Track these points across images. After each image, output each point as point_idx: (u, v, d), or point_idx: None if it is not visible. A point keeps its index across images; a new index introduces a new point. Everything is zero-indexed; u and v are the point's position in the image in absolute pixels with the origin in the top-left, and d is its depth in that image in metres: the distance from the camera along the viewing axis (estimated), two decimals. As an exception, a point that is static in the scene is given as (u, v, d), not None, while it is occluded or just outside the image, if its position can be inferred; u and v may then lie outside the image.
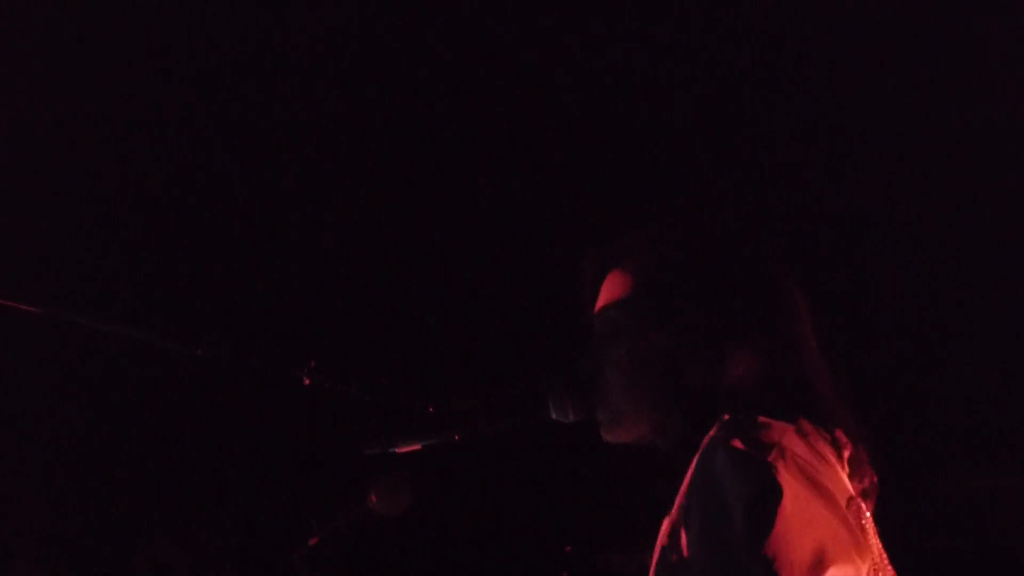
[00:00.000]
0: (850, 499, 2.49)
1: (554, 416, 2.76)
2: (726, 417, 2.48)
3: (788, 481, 2.38)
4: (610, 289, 2.73)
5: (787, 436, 2.45)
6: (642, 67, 5.08)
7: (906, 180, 4.85)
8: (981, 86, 4.77)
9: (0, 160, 4.98)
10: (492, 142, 5.27)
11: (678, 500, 2.47)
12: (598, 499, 4.99)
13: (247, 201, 5.27)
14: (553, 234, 5.20)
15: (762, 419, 2.47)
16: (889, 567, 2.53)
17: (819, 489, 2.41)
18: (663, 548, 2.47)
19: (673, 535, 2.45)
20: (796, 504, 2.36)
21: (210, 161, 5.23)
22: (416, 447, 2.80)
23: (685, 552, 2.41)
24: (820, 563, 2.33)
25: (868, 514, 2.52)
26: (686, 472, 2.48)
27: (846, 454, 2.57)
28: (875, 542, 2.50)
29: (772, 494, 2.35)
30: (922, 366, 4.81)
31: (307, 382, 2.94)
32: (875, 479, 2.61)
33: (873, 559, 2.47)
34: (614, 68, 5.14)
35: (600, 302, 2.73)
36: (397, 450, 2.81)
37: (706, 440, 2.46)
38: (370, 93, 5.24)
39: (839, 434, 2.56)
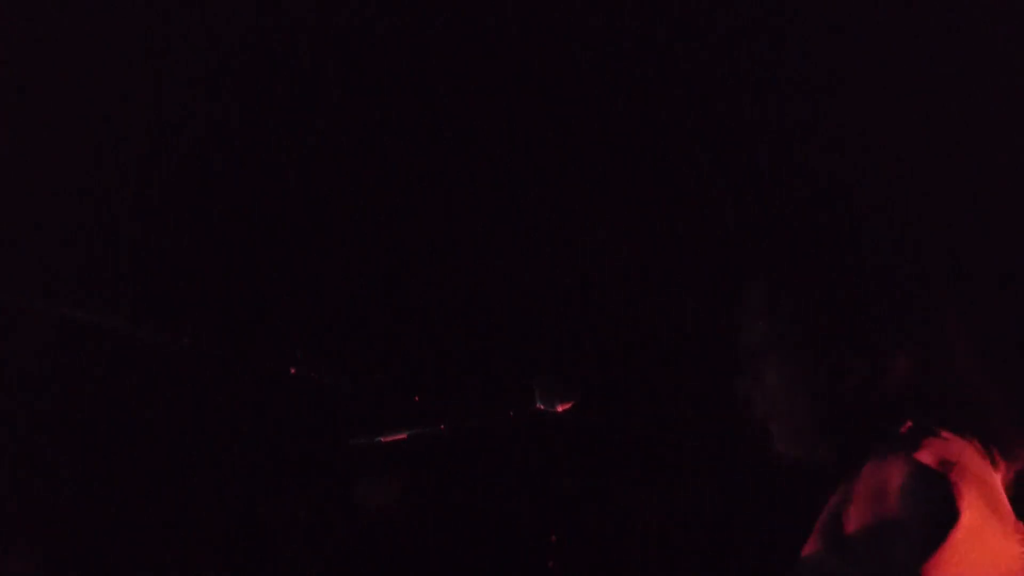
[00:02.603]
0: (1017, 524, 2.40)
1: (541, 406, 2.75)
2: (908, 425, 2.40)
3: (967, 504, 2.28)
4: (754, 301, 2.61)
5: (967, 453, 2.36)
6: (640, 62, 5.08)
7: None
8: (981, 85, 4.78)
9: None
10: (487, 134, 5.28)
11: (833, 504, 2.40)
12: (585, 490, 4.99)
13: (234, 192, 5.27)
14: (544, 223, 5.20)
15: (944, 433, 2.38)
16: None
17: (997, 515, 2.32)
18: (817, 553, 2.39)
19: (828, 539, 2.38)
20: (971, 530, 2.27)
21: (201, 154, 5.23)
22: (402, 437, 2.80)
23: (843, 557, 2.34)
24: None
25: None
26: (839, 478, 2.41)
27: (1009, 477, 2.47)
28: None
29: (949, 515, 2.26)
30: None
31: (293, 372, 2.95)
32: None
33: None
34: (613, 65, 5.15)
35: (746, 315, 2.62)
36: (383, 440, 2.81)
37: (884, 452, 2.36)
38: (354, 79, 5.24)
39: (997, 456, 2.45)
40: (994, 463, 2.42)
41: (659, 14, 5.00)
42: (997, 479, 2.40)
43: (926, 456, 2.31)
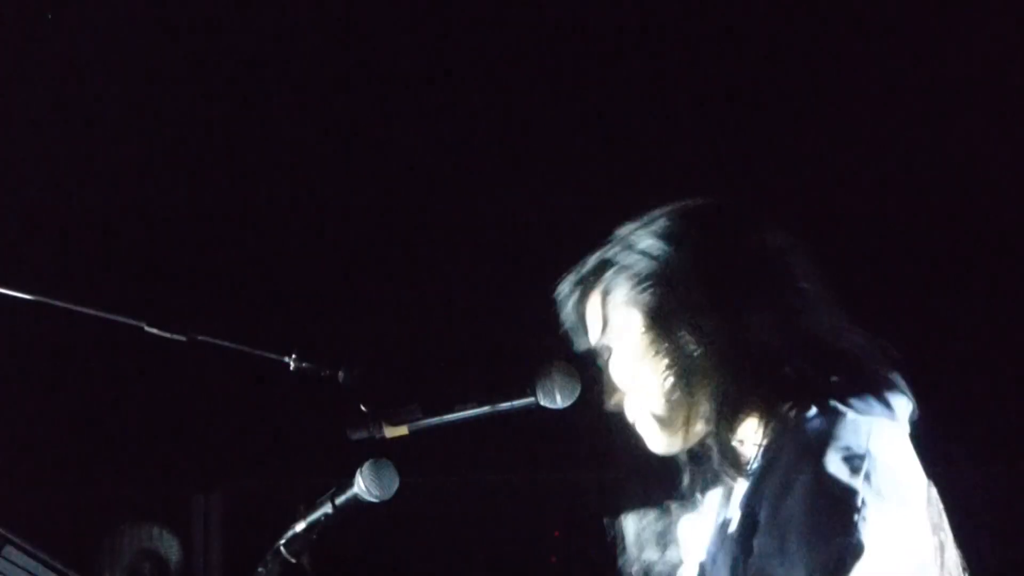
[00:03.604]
0: (928, 487, 2.40)
1: (542, 401, 2.74)
2: (810, 410, 2.36)
3: (873, 523, 2.25)
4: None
5: (875, 435, 2.33)
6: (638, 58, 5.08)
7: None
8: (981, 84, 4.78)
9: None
10: (486, 134, 5.27)
11: (748, 500, 2.39)
12: (587, 484, 4.98)
13: (234, 186, 5.26)
14: (543, 220, 5.19)
15: (848, 413, 2.35)
16: (955, 551, 2.44)
17: (907, 507, 2.30)
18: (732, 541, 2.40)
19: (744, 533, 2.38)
20: (880, 555, 2.24)
21: (199, 149, 5.22)
22: (403, 432, 2.79)
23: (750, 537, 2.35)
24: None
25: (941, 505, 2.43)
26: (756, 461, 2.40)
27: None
28: (946, 527, 2.43)
29: (853, 552, 2.23)
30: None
31: (292, 367, 2.93)
32: None
33: (947, 547, 2.40)
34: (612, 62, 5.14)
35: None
36: (384, 435, 2.80)
37: (791, 442, 2.35)
38: (346, 81, 5.24)
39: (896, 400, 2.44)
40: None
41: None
42: (906, 442, 2.39)
43: (831, 458, 2.28)
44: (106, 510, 5.13)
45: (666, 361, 2.51)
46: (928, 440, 2.49)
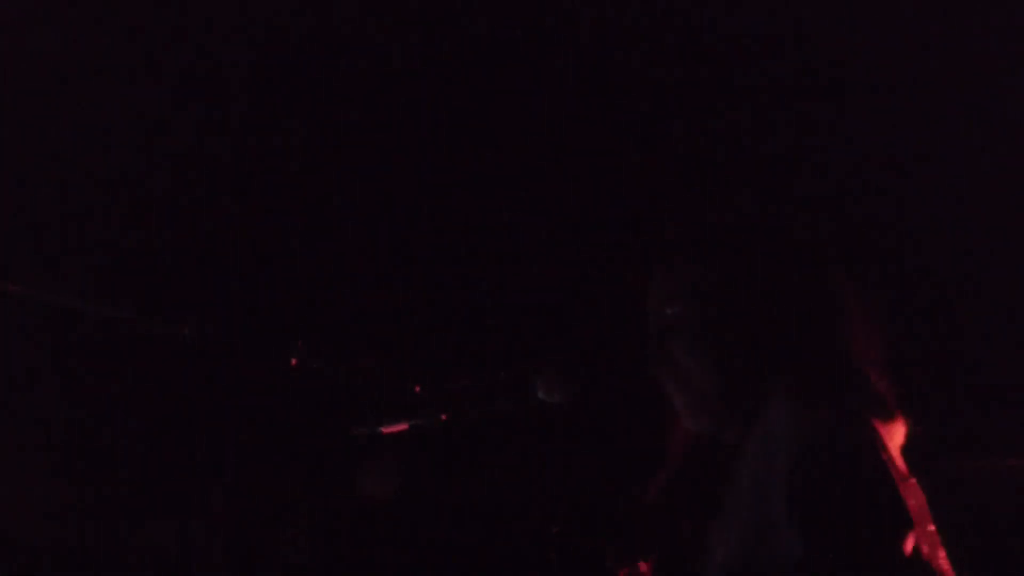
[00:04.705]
0: (904, 480, 2.45)
1: (541, 397, 2.75)
2: (797, 413, 2.44)
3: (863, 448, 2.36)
4: (665, 285, 2.69)
5: (854, 434, 2.41)
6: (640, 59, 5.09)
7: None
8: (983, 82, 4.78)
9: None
10: (484, 129, 5.27)
11: (731, 478, 2.46)
12: (586, 480, 4.99)
13: (234, 181, 5.26)
14: (543, 217, 5.19)
15: (829, 415, 2.43)
16: (938, 544, 2.47)
17: (880, 512, 2.36)
18: (719, 524, 2.47)
19: (726, 512, 2.46)
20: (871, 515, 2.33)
21: (198, 144, 5.22)
22: (403, 427, 2.80)
23: (733, 533, 2.41)
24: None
25: (919, 489, 2.47)
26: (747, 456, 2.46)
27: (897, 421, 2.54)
28: (927, 523, 2.45)
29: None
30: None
31: (295, 362, 2.94)
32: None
33: (925, 535, 2.43)
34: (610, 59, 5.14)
35: (656, 298, 2.70)
36: (384, 430, 2.81)
37: (780, 428, 2.43)
38: (345, 78, 5.24)
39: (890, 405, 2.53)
40: (890, 419, 2.50)
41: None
42: (888, 441, 2.46)
43: (814, 458, 2.36)
44: (105, 507, 5.14)
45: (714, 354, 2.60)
46: (919, 435, 2.53)
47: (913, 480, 2.47)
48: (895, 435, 2.53)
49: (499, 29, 5.18)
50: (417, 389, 2.86)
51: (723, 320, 2.59)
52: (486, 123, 5.24)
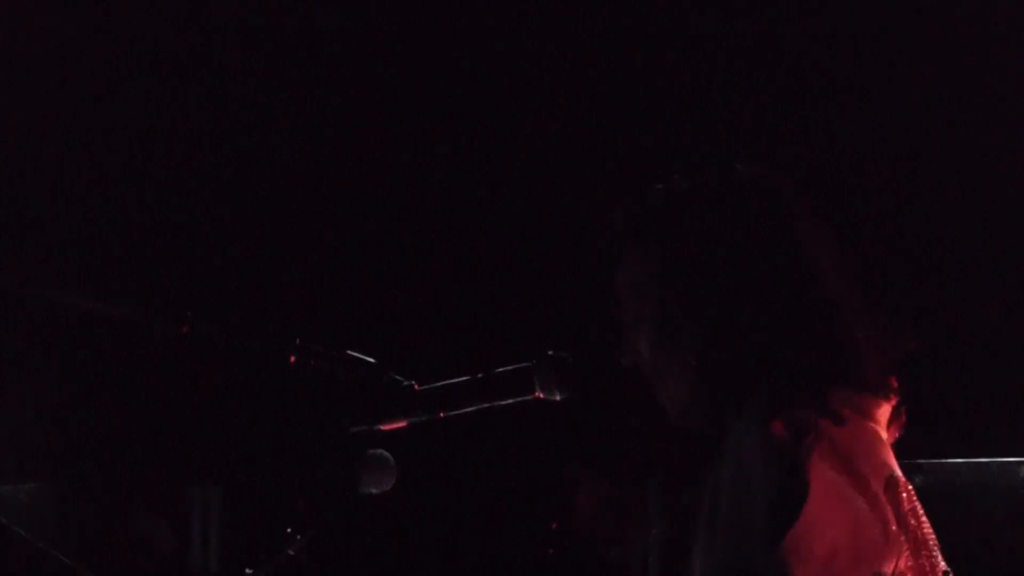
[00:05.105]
0: (890, 478, 2.36)
1: (540, 394, 2.75)
2: (762, 393, 2.36)
3: (818, 473, 2.25)
4: (626, 275, 2.57)
5: (823, 421, 2.32)
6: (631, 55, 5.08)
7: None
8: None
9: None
10: (480, 125, 5.27)
11: (711, 481, 2.38)
12: (584, 475, 4.99)
13: (232, 179, 5.26)
14: (541, 213, 5.19)
15: (800, 394, 2.34)
16: (932, 543, 2.39)
17: (854, 478, 2.29)
18: (700, 524, 2.39)
19: (707, 517, 2.37)
20: (824, 500, 2.25)
21: (197, 141, 5.22)
22: (402, 424, 2.80)
23: (713, 535, 2.34)
24: (838, 565, 2.24)
25: (910, 487, 2.38)
26: (720, 451, 2.39)
27: (887, 414, 2.44)
28: (915, 520, 2.36)
29: (798, 489, 2.24)
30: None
31: (292, 359, 2.94)
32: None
33: (915, 538, 2.35)
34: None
35: (622, 291, 2.59)
36: (382, 427, 2.80)
37: (740, 420, 2.35)
38: (344, 71, 5.24)
39: (880, 394, 2.43)
40: (875, 403, 2.40)
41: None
42: (863, 441, 2.37)
43: (777, 426, 2.29)
44: (104, 503, 5.13)
45: (675, 344, 2.48)
46: (913, 431, 2.49)
47: (903, 479, 2.39)
48: (885, 427, 2.45)
49: (504, 28, 5.19)
50: (416, 386, 2.85)
51: (686, 313, 2.44)
52: (485, 120, 5.24)
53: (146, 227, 5.18)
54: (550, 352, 2.78)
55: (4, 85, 5.01)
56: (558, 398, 2.76)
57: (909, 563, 2.34)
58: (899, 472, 2.40)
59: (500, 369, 2.80)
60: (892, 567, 2.31)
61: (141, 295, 4.98)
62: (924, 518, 2.39)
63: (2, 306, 4.81)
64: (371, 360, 2.93)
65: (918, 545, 2.36)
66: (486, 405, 2.78)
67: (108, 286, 4.95)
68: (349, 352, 2.94)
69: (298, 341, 2.94)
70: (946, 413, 4.63)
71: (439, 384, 2.84)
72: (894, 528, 2.33)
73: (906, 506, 2.36)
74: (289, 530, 2.82)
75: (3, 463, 5.04)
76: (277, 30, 5.23)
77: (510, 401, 2.77)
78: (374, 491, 2.80)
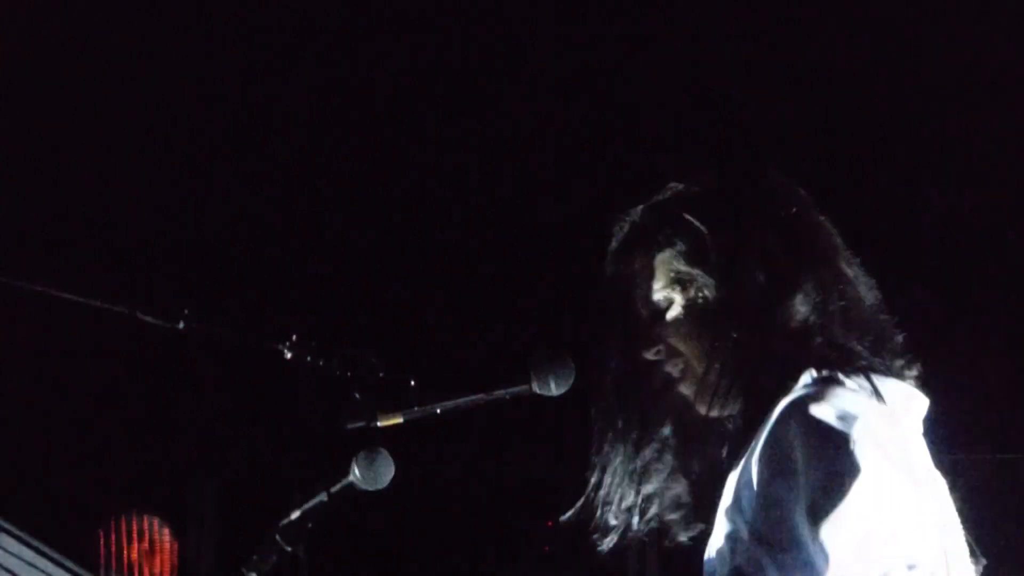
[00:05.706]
0: (929, 471, 2.36)
1: (537, 390, 2.74)
2: (806, 378, 2.36)
3: (868, 460, 2.23)
4: (645, 271, 2.55)
5: (870, 405, 2.31)
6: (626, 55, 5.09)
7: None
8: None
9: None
10: (483, 124, 5.28)
11: (740, 470, 2.36)
12: (581, 473, 4.99)
13: (230, 178, 5.27)
14: (541, 208, 5.20)
15: (845, 381, 2.34)
16: (962, 539, 2.39)
17: (901, 468, 2.27)
18: (727, 511, 2.37)
19: (737, 503, 2.35)
20: (874, 488, 2.23)
21: (196, 140, 5.24)
22: (398, 421, 2.80)
23: (748, 522, 2.31)
24: (874, 546, 2.22)
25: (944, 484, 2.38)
26: (750, 437, 2.36)
27: (923, 407, 2.43)
28: (951, 515, 2.37)
29: (848, 475, 2.22)
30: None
31: (288, 356, 2.93)
32: None
33: (951, 532, 2.35)
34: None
35: (642, 285, 2.57)
36: (379, 424, 2.80)
37: (782, 404, 2.32)
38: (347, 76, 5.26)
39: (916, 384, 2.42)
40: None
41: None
42: (905, 429, 2.36)
43: (823, 412, 2.28)
44: (102, 501, 5.14)
45: (703, 335, 2.48)
46: (943, 427, 2.48)
47: (936, 474, 2.39)
48: (920, 420, 2.44)
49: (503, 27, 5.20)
50: (412, 382, 2.85)
51: (712, 302, 2.45)
52: (485, 123, 5.26)
53: (143, 225, 5.19)
54: (546, 345, 2.78)
55: (4, 85, 5.03)
56: (554, 392, 2.75)
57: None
58: (934, 466, 2.41)
59: (496, 364, 2.80)
60: (926, 557, 2.29)
61: (136, 291, 4.99)
62: (955, 515, 2.40)
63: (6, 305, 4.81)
64: (368, 356, 2.93)
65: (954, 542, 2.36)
66: (482, 400, 2.78)
67: (103, 282, 4.96)
68: (345, 348, 2.94)
69: (294, 337, 2.94)
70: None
71: (435, 379, 2.84)
72: (932, 519, 2.32)
73: (944, 495, 2.37)
74: (287, 528, 2.82)
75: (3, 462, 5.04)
76: (279, 28, 5.24)
77: (506, 396, 2.77)
78: (371, 488, 2.80)
